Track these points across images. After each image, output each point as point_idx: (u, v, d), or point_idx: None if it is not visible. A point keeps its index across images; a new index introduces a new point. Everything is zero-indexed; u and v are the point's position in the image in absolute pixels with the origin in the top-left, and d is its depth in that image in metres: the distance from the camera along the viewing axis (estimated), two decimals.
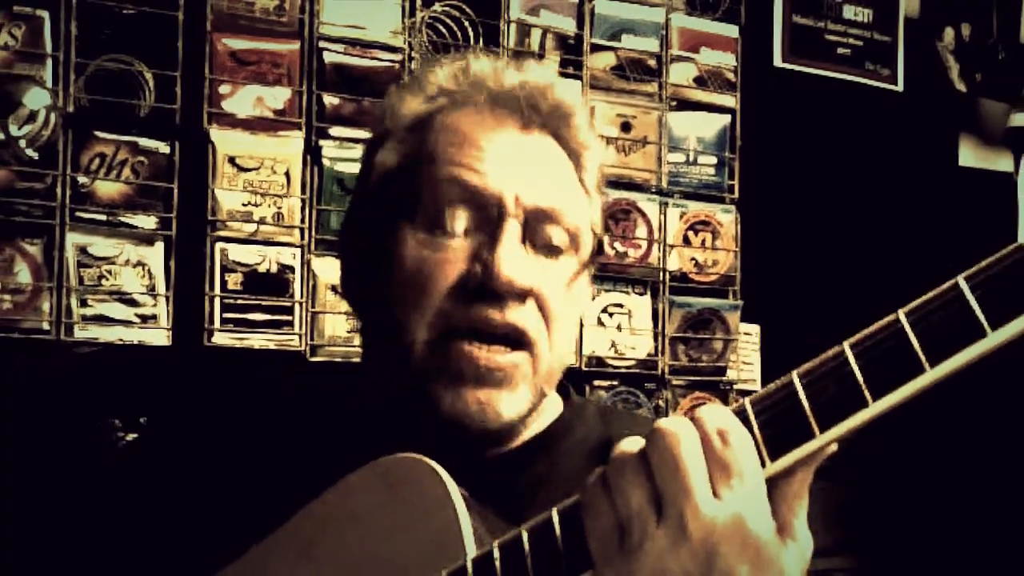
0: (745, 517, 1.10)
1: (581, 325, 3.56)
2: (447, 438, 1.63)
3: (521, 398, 1.65)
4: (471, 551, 1.37)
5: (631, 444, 1.17)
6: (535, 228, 1.66)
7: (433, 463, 1.48)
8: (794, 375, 1.14)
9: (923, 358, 1.08)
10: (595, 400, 1.92)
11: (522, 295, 1.62)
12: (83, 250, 3.01)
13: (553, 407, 1.87)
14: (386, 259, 1.68)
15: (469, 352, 1.61)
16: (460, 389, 1.61)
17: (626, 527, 1.13)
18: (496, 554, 1.29)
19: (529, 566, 1.24)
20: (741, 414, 1.16)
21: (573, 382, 3.50)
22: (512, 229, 1.63)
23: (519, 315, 1.62)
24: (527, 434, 1.79)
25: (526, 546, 1.26)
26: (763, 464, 1.14)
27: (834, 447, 1.15)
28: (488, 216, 1.64)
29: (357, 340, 1.87)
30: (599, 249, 1.83)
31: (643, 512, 1.12)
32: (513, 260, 1.60)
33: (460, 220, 1.65)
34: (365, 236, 1.75)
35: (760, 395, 1.17)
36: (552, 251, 1.68)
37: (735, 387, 3.82)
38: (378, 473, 1.53)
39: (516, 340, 1.63)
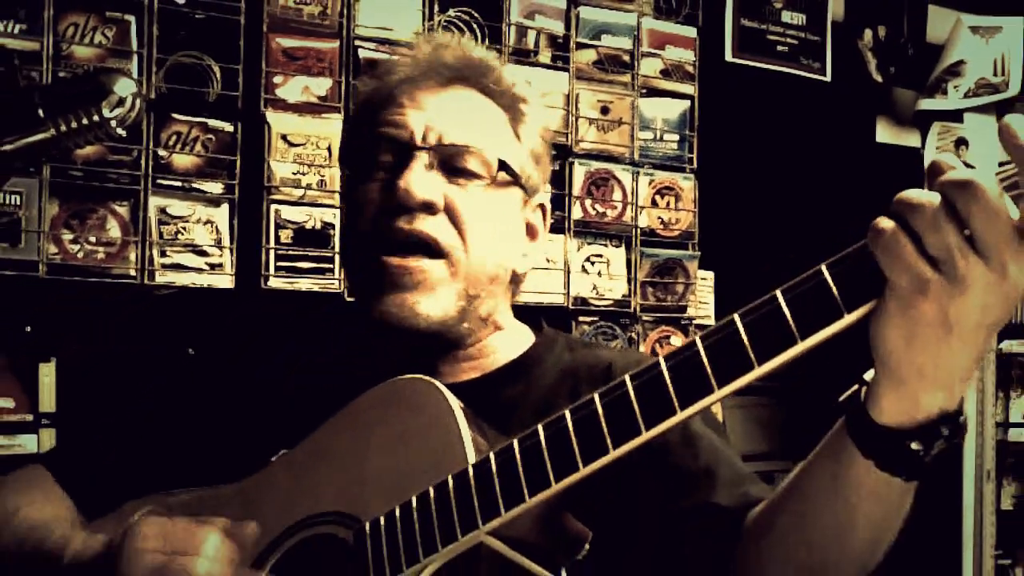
0: None
1: (568, 271, 3.58)
2: (389, 342, 1.66)
3: (443, 300, 1.65)
4: (471, 458, 1.37)
5: (920, 193, 1.09)
6: (447, 158, 1.68)
7: (436, 382, 1.48)
8: None
9: None
10: (564, 332, 1.92)
11: (427, 207, 1.63)
12: (163, 210, 3.01)
13: (525, 338, 1.86)
14: (345, 209, 1.73)
15: (388, 263, 1.63)
16: (383, 296, 1.63)
17: (944, 260, 1.07)
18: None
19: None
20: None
21: (562, 318, 3.52)
22: (419, 159, 1.65)
23: (428, 225, 1.64)
24: (502, 360, 1.79)
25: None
26: None
27: None
28: (401, 153, 1.66)
29: None
30: (536, 189, 1.84)
31: (962, 249, 1.06)
32: (417, 180, 1.63)
33: (382, 162, 1.68)
34: (341, 197, 1.79)
35: None
36: (467, 176, 1.69)
37: (694, 322, 3.82)
38: (389, 391, 1.53)
39: (430, 248, 1.64)
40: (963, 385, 1.18)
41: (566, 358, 1.82)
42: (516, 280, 1.83)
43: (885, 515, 1.32)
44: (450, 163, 1.68)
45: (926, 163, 4.39)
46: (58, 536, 1.62)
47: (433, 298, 1.64)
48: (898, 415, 1.20)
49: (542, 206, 1.87)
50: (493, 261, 1.73)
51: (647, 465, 1.49)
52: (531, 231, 1.84)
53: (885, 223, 1.10)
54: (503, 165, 1.72)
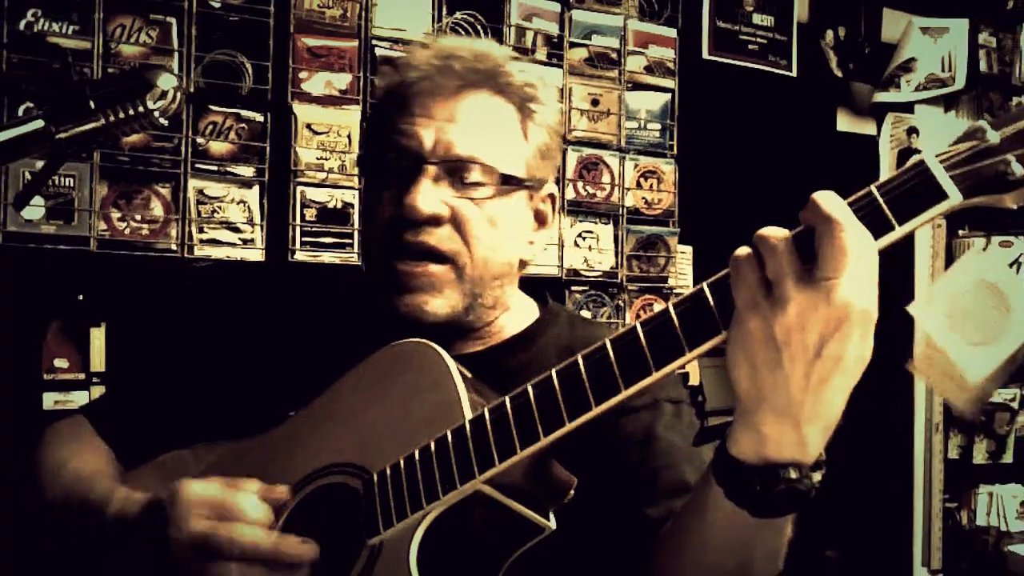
0: (871, 301, 1.06)
1: (562, 245, 3.58)
2: (409, 330, 1.60)
3: (450, 299, 1.63)
4: (468, 414, 1.37)
5: (776, 231, 1.11)
6: (454, 170, 1.62)
7: (436, 346, 1.47)
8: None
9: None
10: (568, 308, 1.92)
11: (433, 221, 1.60)
12: (200, 192, 3.01)
13: (530, 312, 1.83)
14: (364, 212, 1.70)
15: (402, 269, 1.61)
16: (400, 296, 1.61)
17: (775, 281, 1.08)
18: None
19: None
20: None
21: (556, 287, 3.50)
22: (428, 172, 1.61)
23: (432, 237, 1.60)
24: (509, 332, 1.77)
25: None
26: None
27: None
28: (410, 167, 1.62)
29: None
30: (543, 182, 1.77)
31: (794, 274, 1.07)
32: (422, 196, 1.58)
33: (394, 170, 1.64)
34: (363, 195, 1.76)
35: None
36: (473, 186, 1.63)
37: (674, 291, 3.81)
38: (392, 354, 1.52)
39: (435, 256, 1.61)
40: (817, 436, 1.13)
41: (567, 333, 1.79)
42: (523, 265, 1.78)
43: (742, 543, 1.27)
44: (457, 174, 1.62)
45: (881, 150, 4.41)
46: (100, 491, 1.61)
47: (441, 298, 1.62)
48: (747, 448, 1.16)
49: (551, 195, 1.79)
50: (499, 261, 1.69)
51: (603, 449, 1.52)
52: (540, 219, 1.79)
53: (741, 250, 1.13)
54: (505, 178, 1.65)
